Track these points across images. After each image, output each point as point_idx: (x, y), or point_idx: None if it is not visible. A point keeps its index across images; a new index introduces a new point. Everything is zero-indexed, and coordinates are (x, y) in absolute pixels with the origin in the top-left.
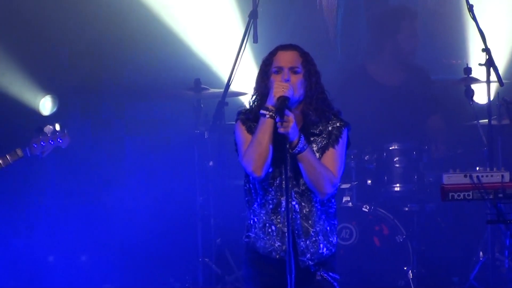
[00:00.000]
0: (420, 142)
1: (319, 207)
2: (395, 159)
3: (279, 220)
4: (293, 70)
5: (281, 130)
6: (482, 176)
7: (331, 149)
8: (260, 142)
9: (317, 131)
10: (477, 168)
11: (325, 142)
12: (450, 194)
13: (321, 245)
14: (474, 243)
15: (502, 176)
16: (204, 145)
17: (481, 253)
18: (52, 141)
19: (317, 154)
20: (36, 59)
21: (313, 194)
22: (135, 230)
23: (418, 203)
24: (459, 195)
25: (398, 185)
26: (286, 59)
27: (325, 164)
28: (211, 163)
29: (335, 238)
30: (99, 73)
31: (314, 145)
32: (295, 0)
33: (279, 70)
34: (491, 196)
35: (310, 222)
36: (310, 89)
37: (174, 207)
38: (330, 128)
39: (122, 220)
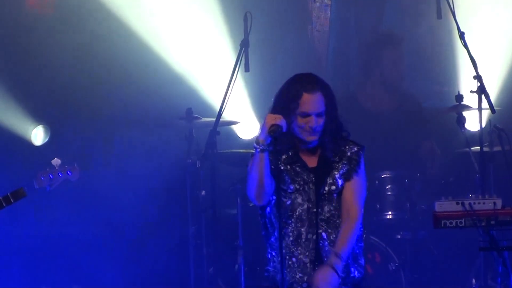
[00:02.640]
0: (412, 170)
1: None
2: (387, 187)
3: (299, 251)
4: (319, 115)
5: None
6: (474, 203)
7: (353, 178)
8: (254, 176)
9: (336, 158)
10: (470, 196)
11: (346, 168)
12: (443, 221)
13: (352, 269)
14: (466, 270)
15: (494, 203)
16: (196, 174)
17: (473, 280)
18: (60, 173)
19: (339, 181)
20: (28, 89)
21: (339, 219)
22: (126, 260)
23: (411, 230)
24: (451, 223)
25: (390, 213)
26: (313, 105)
27: (347, 195)
28: (203, 192)
29: (363, 260)
30: (91, 102)
31: (336, 172)
32: (286, 29)
33: (307, 115)
34: (483, 223)
35: None
36: (330, 123)
37: (166, 236)
38: (349, 154)
39: (114, 249)
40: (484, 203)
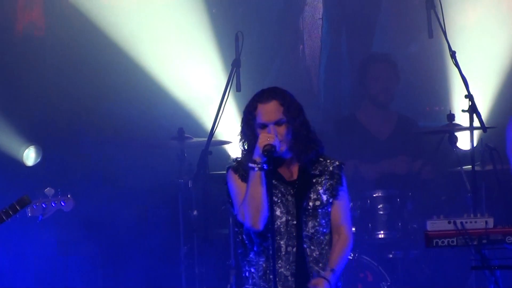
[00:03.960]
0: (404, 189)
1: (329, 249)
2: (379, 206)
3: (280, 265)
4: (277, 123)
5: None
6: (466, 222)
7: (340, 195)
8: (254, 196)
9: (317, 171)
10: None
11: (329, 183)
12: (434, 240)
13: None
14: None
15: (486, 222)
16: (188, 194)
17: None
18: (54, 203)
19: (325, 196)
20: (20, 109)
21: (323, 236)
22: (118, 279)
23: (402, 250)
24: (443, 242)
25: (382, 232)
26: (268, 115)
27: (336, 219)
28: (195, 212)
29: (340, 284)
30: (82, 122)
31: (319, 187)
32: (278, 48)
33: (264, 126)
34: (475, 242)
35: (320, 265)
36: (296, 131)
37: (158, 256)
38: (331, 168)
39: (107, 268)
40: (476, 222)
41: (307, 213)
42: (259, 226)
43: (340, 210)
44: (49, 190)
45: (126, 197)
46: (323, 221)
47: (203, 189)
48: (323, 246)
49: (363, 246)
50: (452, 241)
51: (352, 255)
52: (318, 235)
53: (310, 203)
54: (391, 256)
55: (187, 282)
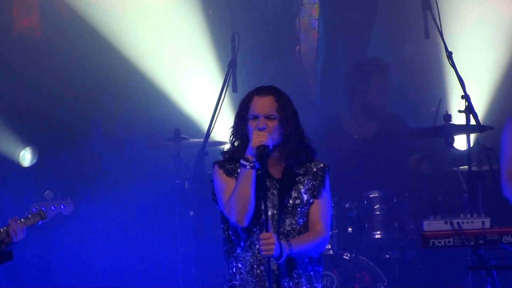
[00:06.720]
0: (400, 189)
1: None
2: (375, 207)
3: (266, 259)
4: (268, 118)
5: (264, 253)
6: (463, 222)
7: (321, 195)
8: (242, 194)
9: (301, 171)
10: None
11: (311, 183)
12: (431, 241)
13: None
14: None
15: (483, 222)
16: (184, 195)
17: None
18: (54, 207)
19: (305, 196)
20: (16, 110)
21: (297, 235)
22: (114, 279)
23: (399, 250)
24: (440, 242)
25: (378, 232)
26: (261, 107)
27: (314, 216)
28: (191, 213)
29: (320, 286)
30: (78, 123)
31: (301, 186)
32: (274, 49)
33: (255, 117)
34: (472, 243)
35: (292, 263)
36: (286, 132)
37: (154, 257)
38: (315, 169)
39: (103, 269)
40: (472, 222)
41: (286, 210)
42: (244, 222)
43: (319, 209)
44: (48, 194)
45: (122, 198)
46: (301, 220)
47: (200, 190)
48: None
49: (360, 246)
50: (449, 241)
51: (348, 255)
52: (294, 234)
53: (291, 201)
54: (387, 256)
55: (184, 283)
